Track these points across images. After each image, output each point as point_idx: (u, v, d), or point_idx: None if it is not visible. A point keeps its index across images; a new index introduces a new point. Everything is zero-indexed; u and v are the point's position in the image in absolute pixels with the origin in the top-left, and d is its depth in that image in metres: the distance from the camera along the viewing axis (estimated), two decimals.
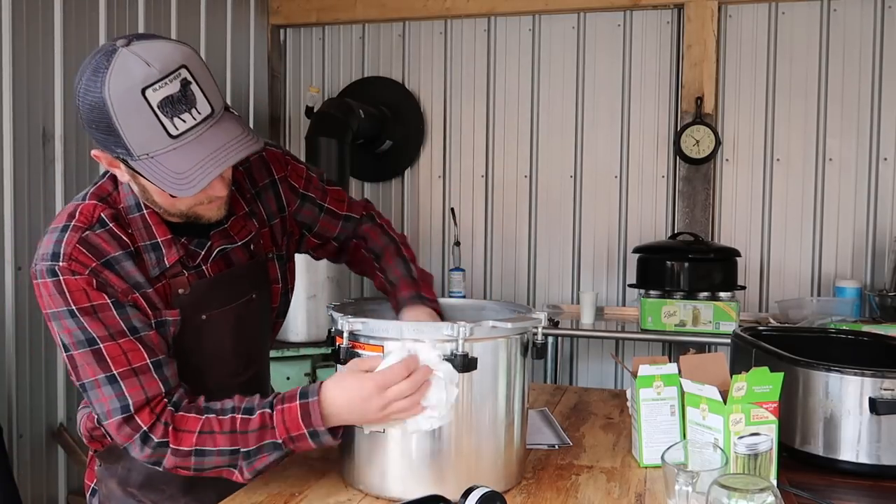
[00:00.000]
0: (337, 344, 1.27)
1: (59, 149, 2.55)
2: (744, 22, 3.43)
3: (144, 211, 1.23)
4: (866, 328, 2.52)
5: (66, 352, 1.18)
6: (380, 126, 3.66)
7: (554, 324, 3.15)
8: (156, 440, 1.17)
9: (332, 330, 1.38)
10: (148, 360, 1.18)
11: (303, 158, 3.70)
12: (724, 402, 1.22)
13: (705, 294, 3.03)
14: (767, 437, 1.23)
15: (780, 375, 1.23)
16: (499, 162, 3.74)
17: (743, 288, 3.17)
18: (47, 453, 2.55)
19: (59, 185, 2.56)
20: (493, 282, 3.77)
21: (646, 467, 1.39)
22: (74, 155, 2.61)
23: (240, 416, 1.20)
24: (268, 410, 1.20)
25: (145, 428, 1.17)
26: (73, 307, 1.15)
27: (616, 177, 3.59)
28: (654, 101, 3.54)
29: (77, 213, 1.20)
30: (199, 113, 1.09)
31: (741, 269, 3.23)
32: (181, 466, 1.20)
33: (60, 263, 1.15)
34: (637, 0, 3.46)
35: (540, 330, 1.32)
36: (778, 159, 3.42)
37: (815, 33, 3.36)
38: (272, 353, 2.87)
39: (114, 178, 1.24)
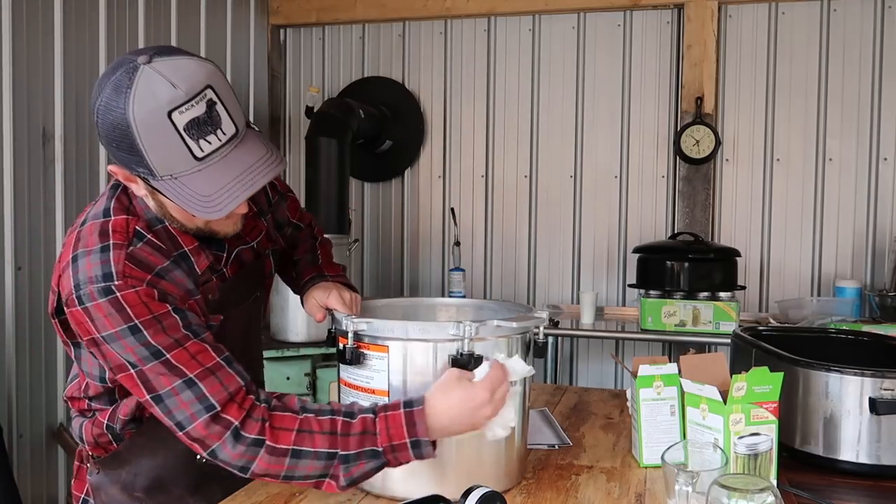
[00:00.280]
0: (341, 344, 1.27)
1: (59, 149, 2.55)
2: (744, 22, 3.43)
3: (166, 221, 1.21)
4: (866, 328, 2.52)
5: (132, 369, 1.12)
6: (380, 126, 3.66)
7: (554, 324, 3.15)
8: (250, 437, 1.12)
9: (333, 330, 1.38)
10: (218, 359, 1.15)
11: (303, 158, 3.74)
12: (724, 402, 1.23)
13: (705, 294, 3.03)
14: (767, 437, 1.23)
15: (780, 375, 1.23)
16: (499, 162, 3.74)
17: (743, 288, 3.17)
18: (47, 453, 2.55)
19: (59, 185, 2.55)
20: (493, 282, 3.77)
21: (646, 467, 1.39)
22: (74, 155, 2.61)
23: (341, 418, 1.15)
24: (370, 416, 1.15)
25: (236, 423, 1.11)
26: (136, 321, 1.11)
27: (616, 177, 3.59)
28: (654, 101, 3.54)
29: (111, 231, 1.17)
30: (224, 134, 1.08)
31: (741, 269, 3.24)
32: (271, 472, 1.13)
33: (116, 282, 1.11)
34: (637, 0, 3.46)
35: (542, 329, 1.33)
36: (778, 159, 3.42)
37: (815, 33, 3.36)
38: (272, 353, 2.89)
39: (126, 191, 1.22)
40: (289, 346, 2.97)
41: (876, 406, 1.35)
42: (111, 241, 1.15)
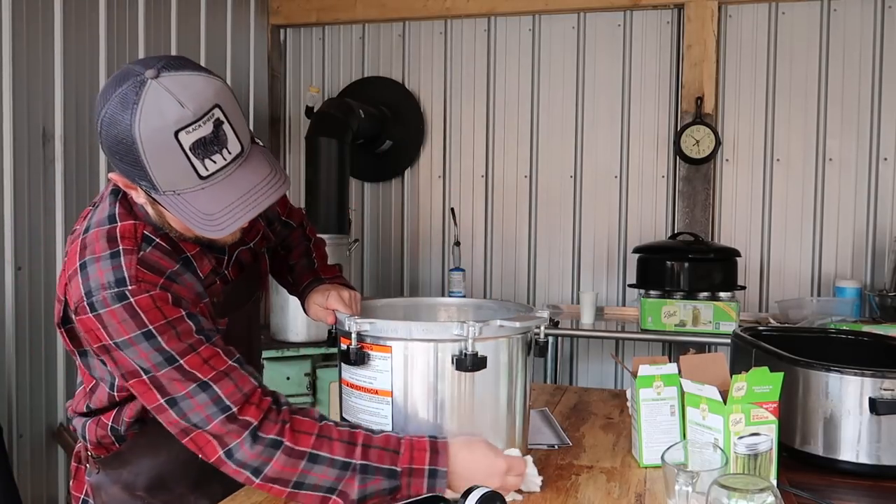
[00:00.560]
0: (344, 345, 1.27)
1: (59, 149, 2.55)
2: (744, 22, 3.43)
3: (164, 229, 1.21)
4: (866, 328, 2.52)
5: (145, 375, 1.12)
6: (380, 126, 3.66)
7: (554, 324, 3.15)
8: (268, 437, 1.12)
9: (333, 330, 1.38)
10: (230, 361, 1.15)
11: (303, 158, 3.74)
12: (724, 402, 1.23)
13: (705, 294, 3.03)
14: (767, 437, 1.23)
15: (780, 375, 1.23)
16: (499, 162, 3.74)
17: (743, 288, 3.17)
18: (47, 453, 2.55)
19: (59, 185, 2.55)
20: (493, 282, 3.77)
21: (646, 467, 1.39)
22: (74, 155, 2.61)
23: (363, 431, 1.17)
24: (395, 435, 1.17)
25: (255, 423, 1.11)
26: (150, 327, 1.10)
27: (616, 177, 3.59)
28: (654, 101, 3.54)
29: (119, 237, 1.16)
30: (230, 153, 1.07)
31: (741, 269, 3.24)
32: (284, 475, 1.12)
33: (129, 287, 1.11)
34: (637, 0, 3.46)
35: (542, 329, 1.33)
36: (778, 159, 3.42)
37: (815, 33, 3.36)
38: (272, 353, 2.89)
39: (126, 196, 1.21)
40: (289, 346, 2.98)
41: (876, 406, 1.35)
42: (121, 247, 1.14)
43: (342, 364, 1.30)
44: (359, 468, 1.12)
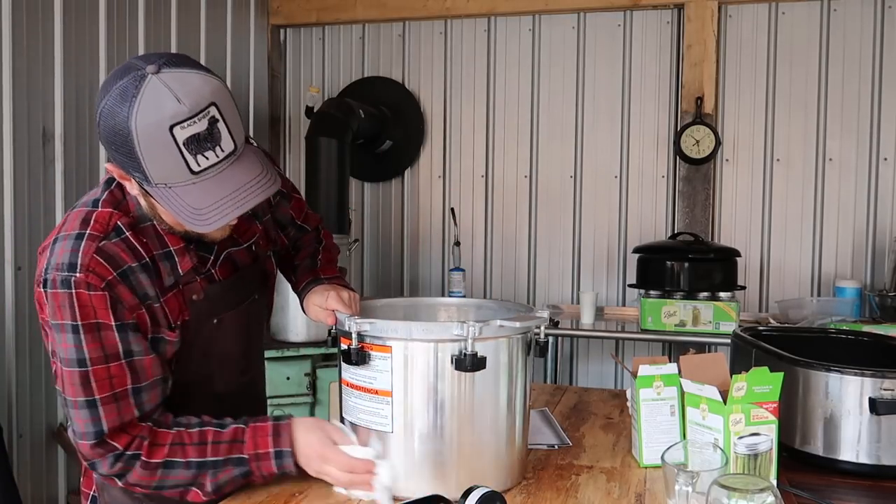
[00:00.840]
0: (345, 345, 1.27)
1: (59, 149, 2.55)
2: (744, 22, 3.43)
3: (155, 221, 1.24)
4: (866, 328, 2.52)
5: (55, 360, 1.19)
6: (380, 126, 3.66)
7: (554, 324, 3.15)
8: (128, 454, 1.19)
9: (333, 330, 1.38)
10: (130, 386, 1.19)
11: (303, 158, 3.73)
12: (724, 402, 1.23)
13: (705, 294, 3.03)
14: (767, 437, 1.23)
15: (780, 375, 1.23)
16: (499, 162, 3.74)
17: (743, 288, 3.17)
18: (47, 453, 2.55)
19: (59, 185, 2.55)
20: (493, 282, 3.77)
21: (646, 467, 1.39)
22: (74, 155, 2.61)
23: (212, 428, 1.24)
24: (241, 426, 1.24)
25: (120, 449, 1.19)
26: (78, 322, 1.15)
27: (616, 177, 3.59)
28: (654, 101, 3.54)
29: (92, 221, 1.19)
30: (223, 150, 1.09)
31: (741, 269, 3.23)
32: (142, 482, 1.21)
33: (77, 275, 1.14)
34: (637, 0, 3.46)
35: (542, 329, 1.33)
36: (778, 159, 3.42)
37: (815, 33, 3.36)
38: (272, 353, 2.89)
39: (121, 186, 1.24)
40: (289, 346, 2.97)
41: (876, 406, 1.35)
42: (88, 231, 1.18)
43: (342, 364, 1.30)
44: (209, 464, 1.21)
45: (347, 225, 3.38)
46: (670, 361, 1.43)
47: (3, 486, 2.20)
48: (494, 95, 3.73)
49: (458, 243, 3.65)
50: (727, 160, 3.46)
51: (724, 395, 1.23)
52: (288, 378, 2.94)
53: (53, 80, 2.53)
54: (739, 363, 1.59)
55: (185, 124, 1.05)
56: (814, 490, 1.31)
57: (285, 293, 2.91)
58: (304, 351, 2.96)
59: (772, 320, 3.18)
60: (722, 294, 3.05)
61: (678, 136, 3.37)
